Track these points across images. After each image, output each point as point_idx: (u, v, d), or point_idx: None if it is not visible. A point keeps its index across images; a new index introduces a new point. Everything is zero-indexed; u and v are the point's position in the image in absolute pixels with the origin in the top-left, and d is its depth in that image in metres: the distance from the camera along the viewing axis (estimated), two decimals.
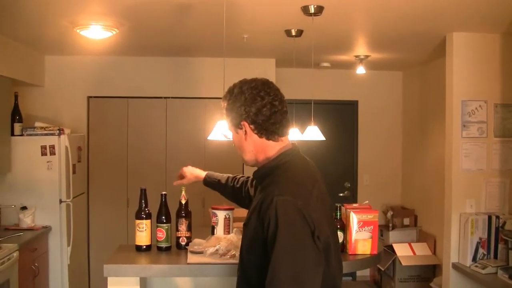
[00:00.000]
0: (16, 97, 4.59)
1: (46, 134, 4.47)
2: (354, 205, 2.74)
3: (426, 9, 3.31)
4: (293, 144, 1.78)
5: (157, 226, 2.51)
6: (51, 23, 3.72)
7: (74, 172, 4.66)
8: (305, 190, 1.60)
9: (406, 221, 5.77)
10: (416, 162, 5.87)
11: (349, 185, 6.28)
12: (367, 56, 4.98)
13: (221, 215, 2.59)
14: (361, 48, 4.74)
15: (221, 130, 2.67)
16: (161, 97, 5.38)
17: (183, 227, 2.51)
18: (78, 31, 3.68)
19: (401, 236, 5.63)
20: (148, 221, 2.51)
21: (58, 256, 4.48)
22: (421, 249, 5.37)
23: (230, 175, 2.44)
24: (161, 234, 2.50)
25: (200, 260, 2.29)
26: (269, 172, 1.70)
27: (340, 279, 1.72)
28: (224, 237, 2.48)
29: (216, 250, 2.35)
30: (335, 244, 1.69)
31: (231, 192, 2.38)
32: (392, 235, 5.62)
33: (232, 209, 2.63)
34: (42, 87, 5.15)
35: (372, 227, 2.60)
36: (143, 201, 2.52)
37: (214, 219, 2.62)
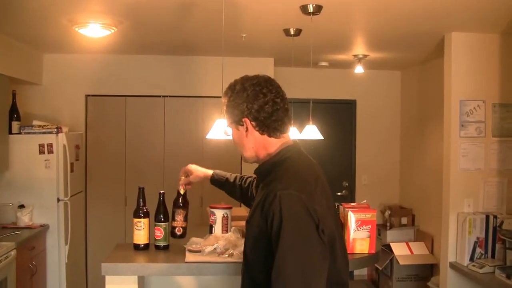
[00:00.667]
0: (14, 95, 4.58)
1: (44, 133, 4.46)
2: (352, 204, 2.74)
3: (424, 9, 3.32)
4: (294, 141, 1.76)
5: (155, 225, 2.51)
6: (49, 21, 3.71)
7: (72, 171, 4.65)
8: (308, 186, 1.58)
9: (404, 220, 5.78)
10: (414, 162, 5.87)
11: (347, 184, 6.29)
12: (365, 56, 4.98)
13: (219, 214, 2.59)
14: (359, 48, 4.74)
15: (221, 127, 2.66)
16: (159, 96, 5.37)
17: (180, 217, 2.47)
18: (76, 29, 3.68)
19: (399, 236, 5.64)
20: (146, 219, 2.51)
21: (56, 255, 4.48)
22: (419, 249, 5.38)
23: (238, 174, 2.43)
24: (159, 233, 2.50)
25: (198, 259, 2.29)
26: (270, 169, 1.68)
27: (347, 275, 1.69)
28: (222, 236, 2.47)
29: (214, 249, 2.35)
30: (341, 239, 1.67)
31: (239, 191, 2.36)
32: (390, 234, 5.63)
33: (230, 208, 2.62)
34: (40, 85, 5.14)
35: (370, 226, 2.60)
36: (141, 199, 2.52)
37: (212, 218, 2.61)
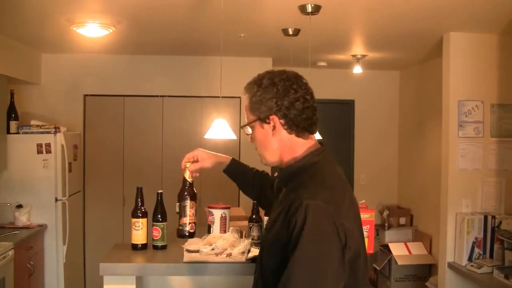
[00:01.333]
0: (12, 95, 4.57)
1: (42, 132, 4.45)
2: None
3: (423, 9, 3.32)
4: (322, 144, 1.63)
5: (153, 225, 2.50)
6: (48, 21, 3.71)
7: (70, 171, 4.65)
8: (337, 196, 1.45)
9: (402, 220, 5.78)
10: (413, 162, 5.87)
11: None
12: (364, 56, 4.99)
13: (217, 214, 2.58)
14: (358, 48, 4.74)
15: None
16: (157, 96, 5.37)
17: (192, 211, 2.23)
18: (75, 29, 3.67)
19: (397, 236, 5.64)
20: (144, 219, 2.50)
21: (54, 255, 4.47)
22: (417, 249, 5.38)
23: (254, 168, 2.19)
24: (157, 233, 2.50)
25: (196, 259, 2.29)
26: (295, 173, 1.54)
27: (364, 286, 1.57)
28: (220, 236, 2.47)
29: (212, 249, 2.35)
30: (364, 251, 1.53)
31: (259, 186, 2.14)
32: (388, 235, 5.63)
33: (228, 208, 2.62)
34: (39, 85, 5.13)
35: (368, 226, 2.59)
36: (139, 199, 2.52)
37: (210, 218, 2.61)
